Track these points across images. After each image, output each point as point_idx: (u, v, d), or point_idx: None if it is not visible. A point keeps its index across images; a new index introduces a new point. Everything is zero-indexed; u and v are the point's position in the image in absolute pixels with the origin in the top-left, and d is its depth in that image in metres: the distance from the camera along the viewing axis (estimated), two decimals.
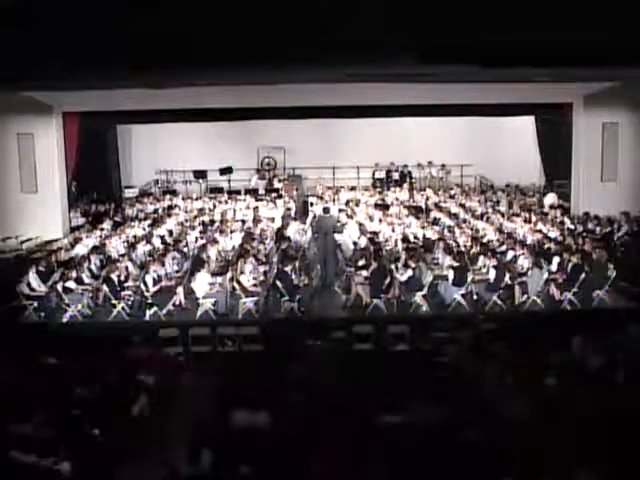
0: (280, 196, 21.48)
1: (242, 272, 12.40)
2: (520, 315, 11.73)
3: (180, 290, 12.11)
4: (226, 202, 20.84)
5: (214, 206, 20.55)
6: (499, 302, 11.93)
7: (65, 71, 10.06)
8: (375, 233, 15.54)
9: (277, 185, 22.64)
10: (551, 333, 9.92)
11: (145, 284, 11.94)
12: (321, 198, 20.49)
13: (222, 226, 16.75)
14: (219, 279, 12.38)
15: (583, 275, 11.86)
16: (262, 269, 13.11)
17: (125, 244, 15.35)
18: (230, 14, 7.37)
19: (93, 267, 13.26)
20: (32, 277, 12.22)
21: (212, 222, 17.94)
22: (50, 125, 17.05)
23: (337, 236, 14.60)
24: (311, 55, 8.78)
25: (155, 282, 12.12)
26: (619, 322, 9.71)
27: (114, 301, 11.87)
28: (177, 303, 12.04)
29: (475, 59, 9.33)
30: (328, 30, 7.74)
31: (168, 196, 22.18)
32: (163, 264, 13.04)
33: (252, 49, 8.42)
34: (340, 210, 18.51)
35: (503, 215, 17.66)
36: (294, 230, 16.36)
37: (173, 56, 8.78)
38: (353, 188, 22.54)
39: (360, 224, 16.62)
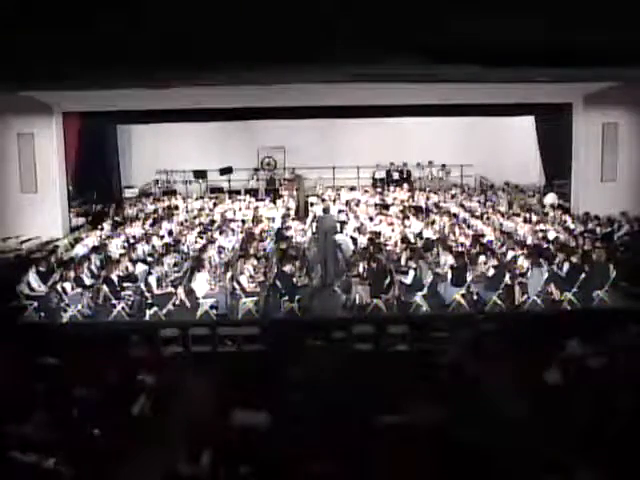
0: (280, 196, 21.46)
1: (242, 272, 12.39)
2: (520, 315, 11.73)
3: (180, 290, 12.12)
4: (229, 200, 20.80)
5: (214, 206, 20.54)
6: (499, 302, 11.93)
7: (65, 71, 10.07)
8: (375, 233, 15.52)
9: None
10: (551, 333, 9.93)
11: (147, 284, 11.93)
12: (321, 198, 20.46)
13: (222, 226, 16.73)
14: (219, 282, 12.37)
15: (583, 275, 11.86)
16: (262, 269, 13.10)
17: (125, 244, 15.33)
18: (230, 14, 7.36)
19: (93, 267, 13.25)
20: (32, 277, 12.21)
21: (212, 222, 17.93)
22: (50, 125, 17.02)
23: (337, 236, 14.58)
24: (312, 55, 8.78)
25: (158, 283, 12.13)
26: (619, 322, 9.71)
27: (114, 301, 11.88)
28: (177, 303, 12.05)
29: (475, 59, 9.33)
30: (329, 30, 7.73)
31: (168, 196, 22.16)
32: (163, 264, 13.04)
33: (253, 49, 8.42)
34: (340, 210, 18.48)
35: (503, 215, 17.64)
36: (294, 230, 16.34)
37: (173, 56, 8.78)
38: (353, 188, 22.51)
39: (360, 224, 16.60)
